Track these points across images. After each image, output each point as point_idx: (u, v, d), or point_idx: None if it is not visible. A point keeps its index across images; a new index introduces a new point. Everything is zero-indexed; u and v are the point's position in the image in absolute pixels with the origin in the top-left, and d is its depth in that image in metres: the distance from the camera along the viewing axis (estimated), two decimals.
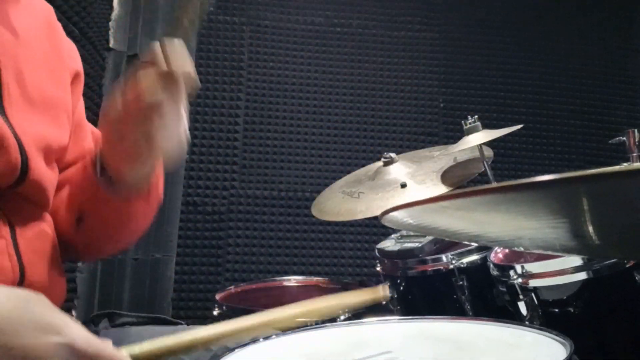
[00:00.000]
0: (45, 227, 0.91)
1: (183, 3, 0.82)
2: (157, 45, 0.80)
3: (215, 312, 1.74)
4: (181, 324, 1.21)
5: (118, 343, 1.01)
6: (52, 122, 0.91)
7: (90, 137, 1.04)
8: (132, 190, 0.91)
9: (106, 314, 1.13)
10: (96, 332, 1.03)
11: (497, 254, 1.54)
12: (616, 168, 0.33)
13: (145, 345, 0.73)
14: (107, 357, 0.66)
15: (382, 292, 0.85)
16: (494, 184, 0.36)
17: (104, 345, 0.67)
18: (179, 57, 0.80)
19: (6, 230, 0.82)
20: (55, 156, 0.92)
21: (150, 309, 2.36)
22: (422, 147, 2.15)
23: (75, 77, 1.01)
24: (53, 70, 0.93)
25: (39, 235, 0.88)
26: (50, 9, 1.00)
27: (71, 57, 1.02)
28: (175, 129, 0.83)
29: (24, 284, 0.83)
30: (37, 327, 0.63)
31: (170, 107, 0.80)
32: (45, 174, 0.88)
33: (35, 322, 0.63)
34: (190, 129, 2.49)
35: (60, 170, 0.98)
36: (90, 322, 1.10)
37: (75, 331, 0.65)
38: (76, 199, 0.94)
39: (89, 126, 1.06)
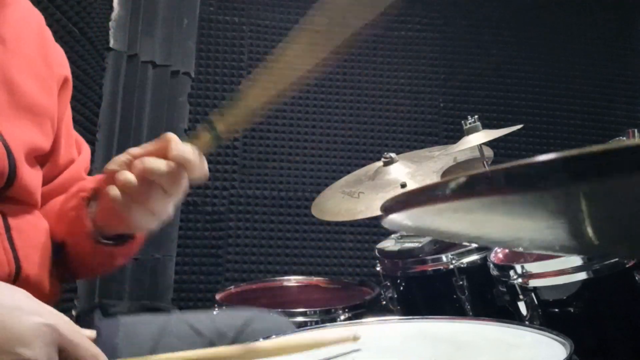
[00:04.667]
0: (39, 221, 0.91)
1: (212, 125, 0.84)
2: (173, 138, 0.83)
3: (215, 312, 1.74)
4: (174, 309, 1.21)
5: (111, 333, 1.01)
6: (38, 129, 0.92)
7: (74, 145, 1.06)
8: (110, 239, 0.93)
9: (97, 306, 1.13)
10: (88, 323, 1.03)
11: (497, 254, 1.54)
12: (621, 144, 0.33)
13: None
14: (86, 350, 0.64)
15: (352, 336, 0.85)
16: (488, 168, 0.36)
17: (85, 338, 0.66)
18: (191, 157, 0.83)
19: (0, 224, 0.83)
20: (38, 160, 0.93)
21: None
22: (422, 147, 2.15)
23: (64, 83, 1.02)
24: (41, 78, 0.94)
25: (33, 229, 0.89)
26: (39, 15, 1.00)
27: (59, 63, 1.02)
28: (160, 212, 0.85)
29: (19, 277, 0.83)
30: (19, 308, 0.62)
31: (164, 194, 0.82)
32: (33, 178, 0.90)
33: (17, 304, 0.62)
34: (190, 129, 2.50)
35: (52, 178, 0.99)
36: (84, 315, 1.10)
37: (58, 316, 0.64)
38: (62, 228, 0.95)
39: (74, 134, 1.07)
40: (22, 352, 0.58)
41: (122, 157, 0.83)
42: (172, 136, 0.83)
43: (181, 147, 0.81)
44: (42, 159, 0.95)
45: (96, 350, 0.65)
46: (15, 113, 0.87)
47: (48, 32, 1.01)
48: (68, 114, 1.04)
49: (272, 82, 0.81)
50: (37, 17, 0.99)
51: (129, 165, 0.82)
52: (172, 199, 0.84)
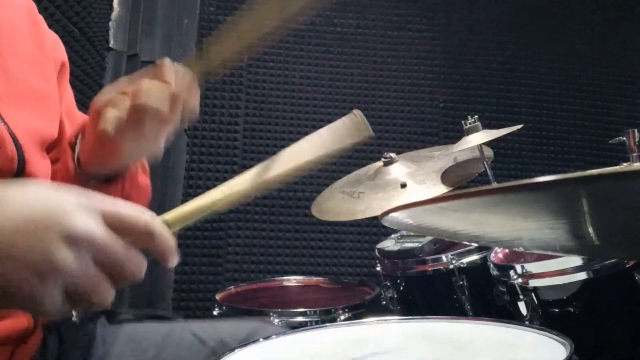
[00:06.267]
0: None
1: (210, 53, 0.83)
2: (167, 62, 0.81)
3: (215, 312, 1.74)
4: (178, 318, 1.20)
5: (116, 340, 1.01)
6: (42, 115, 0.91)
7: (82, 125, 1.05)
8: (98, 180, 0.91)
9: (103, 312, 1.13)
10: (93, 329, 1.03)
11: (497, 254, 1.54)
12: (616, 169, 0.33)
13: (176, 211, 0.68)
14: (130, 216, 0.57)
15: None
16: (494, 185, 0.36)
17: (128, 206, 0.58)
18: (186, 83, 0.81)
19: None
20: (47, 148, 0.92)
21: (150, 309, 2.36)
22: (422, 147, 2.15)
23: (61, 68, 1.01)
24: (38, 64, 0.93)
25: None
26: (31, 3, 0.99)
27: (55, 49, 1.01)
28: (153, 142, 0.83)
29: None
30: (54, 188, 0.56)
31: (159, 120, 0.81)
32: (41, 167, 0.88)
33: (51, 188, 0.57)
34: (190, 129, 2.50)
35: (58, 161, 0.98)
36: (88, 320, 1.10)
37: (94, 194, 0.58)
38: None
39: (80, 115, 1.06)
40: (71, 222, 0.53)
41: (113, 88, 0.82)
42: (167, 61, 0.81)
43: (176, 71, 0.80)
44: (50, 146, 0.93)
45: (142, 216, 0.58)
46: (16, 101, 0.86)
47: (41, 19, 1.00)
48: (68, 95, 1.02)
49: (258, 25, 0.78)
50: (28, 5, 0.98)
51: (120, 95, 0.80)
52: (166, 127, 0.82)
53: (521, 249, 1.32)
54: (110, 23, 2.21)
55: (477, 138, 1.67)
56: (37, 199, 0.55)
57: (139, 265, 0.58)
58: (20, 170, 0.83)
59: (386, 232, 2.11)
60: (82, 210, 0.55)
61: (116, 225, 0.56)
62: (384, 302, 1.81)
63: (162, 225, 0.59)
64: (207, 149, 2.68)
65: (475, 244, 1.62)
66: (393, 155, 1.85)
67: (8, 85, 0.85)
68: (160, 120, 0.80)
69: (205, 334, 1.02)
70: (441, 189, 1.68)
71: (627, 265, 1.25)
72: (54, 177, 0.96)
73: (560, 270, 1.31)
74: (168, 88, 0.79)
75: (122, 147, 0.82)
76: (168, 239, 0.59)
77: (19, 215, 0.53)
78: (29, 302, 0.53)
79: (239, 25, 0.82)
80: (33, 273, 0.52)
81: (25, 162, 0.83)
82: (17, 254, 0.52)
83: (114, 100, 0.81)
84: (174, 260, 0.60)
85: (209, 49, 0.82)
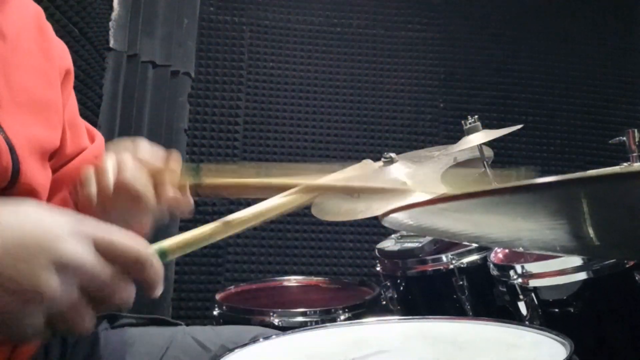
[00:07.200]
0: None
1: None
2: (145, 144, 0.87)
3: (215, 312, 1.74)
4: (180, 324, 1.21)
5: (118, 344, 1.01)
6: (44, 124, 0.90)
7: (85, 134, 1.05)
8: None
9: (106, 316, 1.13)
10: (95, 334, 1.03)
11: (497, 254, 1.54)
12: (616, 169, 0.33)
13: (174, 238, 0.69)
14: (123, 243, 0.57)
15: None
16: (494, 186, 0.36)
17: (119, 231, 0.58)
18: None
19: None
20: (48, 158, 0.92)
21: (150, 310, 2.36)
22: (422, 147, 2.15)
23: (66, 75, 1.01)
24: (43, 72, 0.93)
25: None
26: (39, 10, 0.99)
27: (61, 56, 1.01)
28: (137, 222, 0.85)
29: None
30: (45, 210, 0.56)
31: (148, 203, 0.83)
32: (38, 177, 0.88)
33: (43, 209, 0.56)
34: (190, 129, 2.50)
35: (59, 167, 0.98)
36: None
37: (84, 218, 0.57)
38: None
39: (83, 123, 1.06)
40: (61, 248, 0.53)
41: (125, 159, 0.83)
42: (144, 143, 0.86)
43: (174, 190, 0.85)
44: (52, 154, 0.93)
45: (135, 246, 0.58)
46: (17, 109, 0.85)
47: (48, 26, 1.00)
48: (72, 103, 1.02)
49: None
50: (36, 12, 0.99)
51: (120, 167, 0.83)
52: (150, 214, 0.85)
53: (521, 250, 1.33)
54: (110, 23, 2.21)
55: (477, 138, 1.67)
56: (29, 222, 0.55)
57: (127, 293, 0.57)
58: (13, 180, 0.82)
59: (386, 232, 2.11)
60: (73, 236, 0.54)
61: (107, 252, 0.56)
62: (384, 302, 1.81)
63: (154, 256, 0.59)
64: (207, 148, 2.68)
65: (475, 244, 1.62)
66: (393, 155, 1.85)
67: (11, 93, 0.85)
68: (142, 205, 0.82)
69: (206, 339, 1.03)
70: (441, 189, 1.67)
71: (627, 265, 1.25)
72: (65, 183, 0.97)
73: (560, 270, 1.31)
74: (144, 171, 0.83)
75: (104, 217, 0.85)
76: (158, 271, 0.59)
77: (9, 238, 0.53)
78: (8, 327, 0.52)
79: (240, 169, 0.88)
80: (17, 298, 0.51)
81: (20, 172, 0.82)
82: (4, 278, 0.51)
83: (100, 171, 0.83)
84: (158, 291, 0.60)
85: (203, 171, 0.89)
